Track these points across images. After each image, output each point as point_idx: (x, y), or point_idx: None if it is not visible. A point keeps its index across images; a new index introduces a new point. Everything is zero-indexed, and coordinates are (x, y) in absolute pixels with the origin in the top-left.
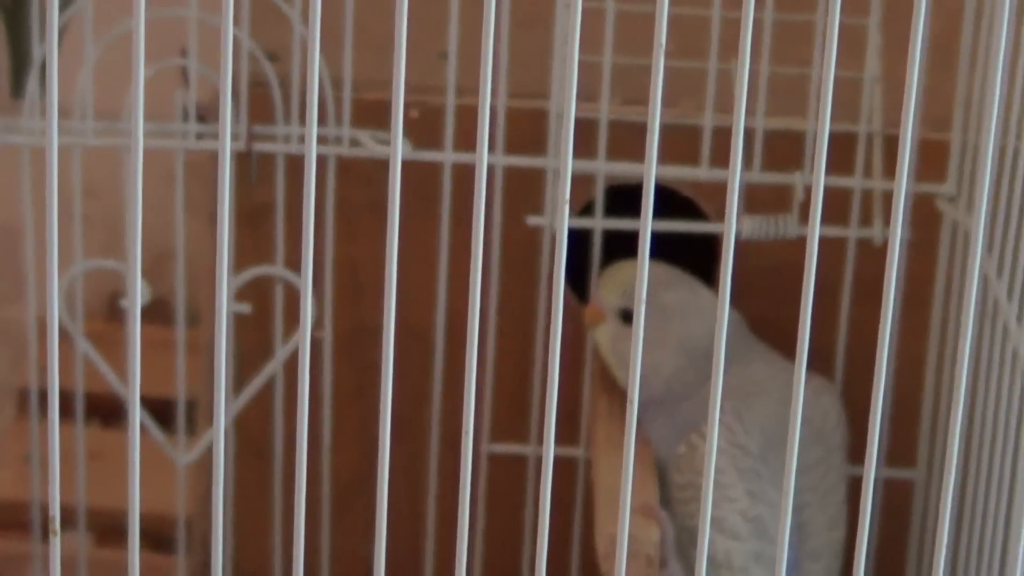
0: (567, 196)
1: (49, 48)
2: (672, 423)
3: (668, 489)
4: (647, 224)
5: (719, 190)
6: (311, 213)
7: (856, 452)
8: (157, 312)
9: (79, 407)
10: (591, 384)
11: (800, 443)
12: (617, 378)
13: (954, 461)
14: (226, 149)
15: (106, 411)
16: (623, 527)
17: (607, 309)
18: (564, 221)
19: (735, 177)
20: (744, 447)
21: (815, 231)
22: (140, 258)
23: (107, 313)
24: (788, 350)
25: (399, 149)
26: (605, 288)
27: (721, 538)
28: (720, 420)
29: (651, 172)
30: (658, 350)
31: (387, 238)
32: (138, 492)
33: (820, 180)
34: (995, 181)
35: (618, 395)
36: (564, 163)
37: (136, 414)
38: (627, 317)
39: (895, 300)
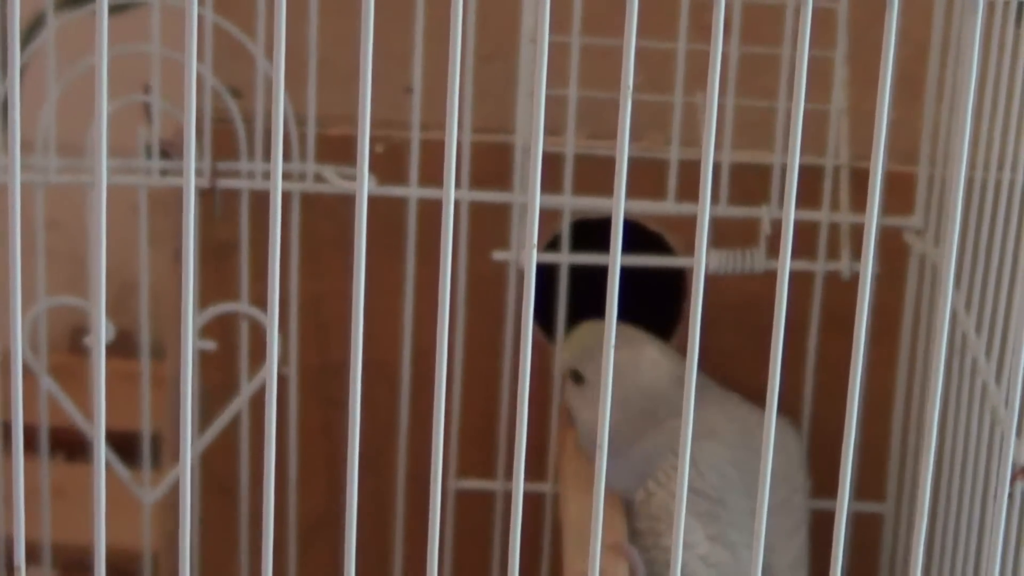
0: (535, 239)
1: (11, 86)
2: (628, 469)
3: (632, 536)
4: (616, 261)
5: (686, 224)
6: (277, 248)
7: (825, 486)
8: (121, 345)
9: (43, 443)
10: (559, 420)
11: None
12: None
13: (926, 504)
14: (190, 198)
15: (70, 445)
16: (594, 566)
17: (560, 368)
18: (532, 264)
19: (704, 212)
20: (700, 491)
21: (785, 265)
22: (104, 310)
23: (70, 345)
24: (755, 385)
25: (365, 185)
26: (563, 349)
27: None
28: (674, 466)
29: (620, 210)
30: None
31: (354, 274)
32: (104, 536)
33: (790, 214)
34: (963, 215)
35: None
36: (531, 210)
37: (102, 463)
38: (576, 378)
39: (865, 335)
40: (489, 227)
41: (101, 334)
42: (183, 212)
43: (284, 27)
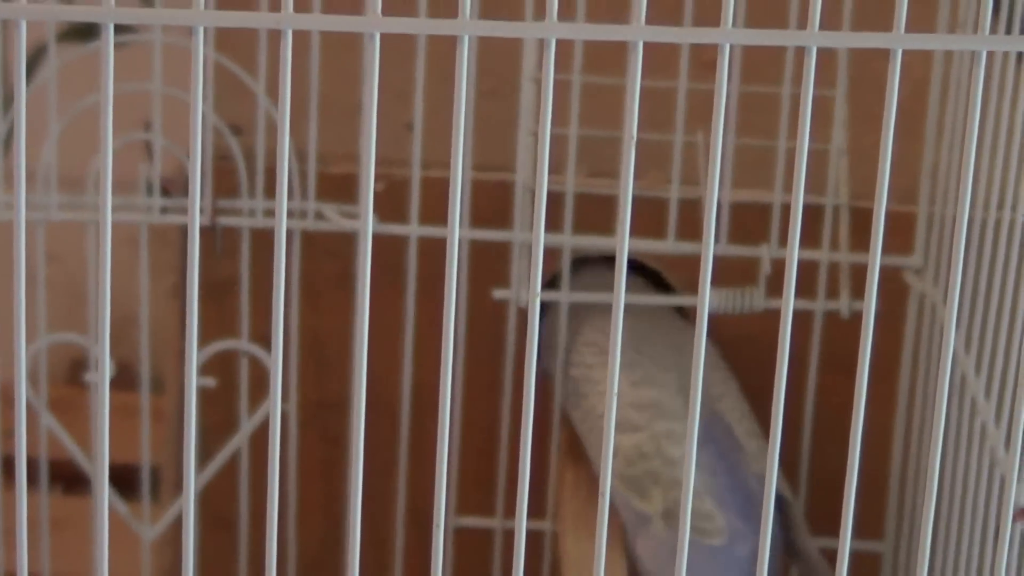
0: (538, 289)
1: (17, 126)
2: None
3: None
4: (619, 300)
5: (685, 262)
6: (281, 286)
7: (825, 524)
8: (120, 378)
9: (43, 479)
10: (557, 457)
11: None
12: None
13: (927, 555)
14: (195, 236)
15: (68, 478)
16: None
17: None
18: (535, 310)
19: (708, 252)
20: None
21: (788, 306)
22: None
23: (68, 377)
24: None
25: (369, 221)
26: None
27: (621, 436)
28: (587, 341)
29: (623, 253)
30: None
31: (356, 312)
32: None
33: (794, 254)
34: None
35: (584, 468)
36: (535, 257)
37: (104, 507)
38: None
39: (867, 377)
40: (489, 265)
41: (105, 381)
42: (188, 250)
43: (289, 66)
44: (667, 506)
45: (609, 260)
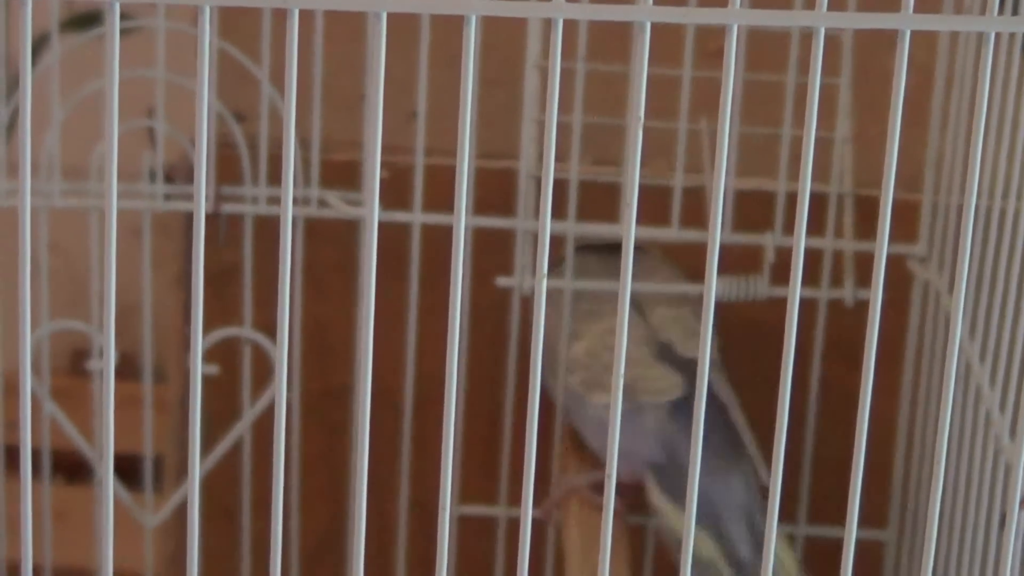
0: (544, 271)
1: (22, 113)
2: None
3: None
4: (625, 287)
5: (688, 250)
6: (287, 273)
7: (829, 513)
8: (122, 367)
9: (46, 469)
10: (561, 445)
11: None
12: None
13: (933, 543)
14: (200, 225)
15: (70, 467)
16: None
17: None
18: (541, 297)
19: (715, 239)
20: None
21: (795, 293)
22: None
23: (70, 367)
24: (758, 411)
25: (375, 211)
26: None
27: (571, 350)
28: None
29: (630, 240)
30: None
31: (361, 300)
32: (111, 563)
33: (801, 241)
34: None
35: (588, 458)
36: (541, 243)
37: (109, 497)
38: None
39: (873, 365)
40: (492, 253)
41: (109, 369)
42: (193, 237)
43: (296, 47)
44: (627, 383)
45: (603, 248)
